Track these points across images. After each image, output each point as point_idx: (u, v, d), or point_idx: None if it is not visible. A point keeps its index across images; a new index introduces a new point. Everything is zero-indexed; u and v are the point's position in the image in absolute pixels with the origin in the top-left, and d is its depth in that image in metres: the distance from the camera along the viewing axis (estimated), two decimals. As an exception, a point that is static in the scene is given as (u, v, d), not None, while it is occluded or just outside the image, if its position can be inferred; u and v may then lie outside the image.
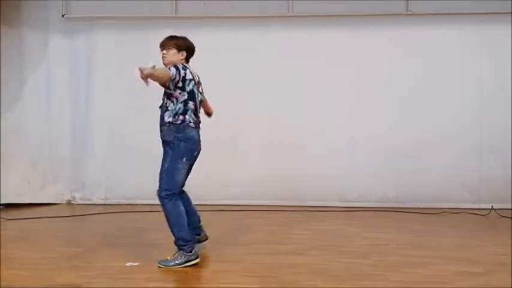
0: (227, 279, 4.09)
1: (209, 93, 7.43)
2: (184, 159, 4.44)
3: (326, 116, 7.38)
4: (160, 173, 4.46)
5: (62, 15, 7.52)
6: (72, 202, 7.63)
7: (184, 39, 4.68)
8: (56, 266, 4.45)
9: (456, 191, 7.26)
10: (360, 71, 7.34)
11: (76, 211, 7.08)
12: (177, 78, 4.38)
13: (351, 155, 7.37)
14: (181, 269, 4.36)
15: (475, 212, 6.87)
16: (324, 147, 7.36)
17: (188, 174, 4.64)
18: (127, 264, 4.45)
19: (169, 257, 4.47)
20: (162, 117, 4.50)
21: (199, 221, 4.92)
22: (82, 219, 6.64)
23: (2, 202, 7.11)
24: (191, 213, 4.75)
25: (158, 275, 4.23)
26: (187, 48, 4.64)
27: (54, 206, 7.38)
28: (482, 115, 7.24)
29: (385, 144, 7.31)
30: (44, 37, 7.54)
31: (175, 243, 4.48)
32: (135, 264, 4.46)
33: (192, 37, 7.46)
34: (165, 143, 4.52)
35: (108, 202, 7.53)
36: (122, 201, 7.52)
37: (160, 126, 4.52)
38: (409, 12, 7.29)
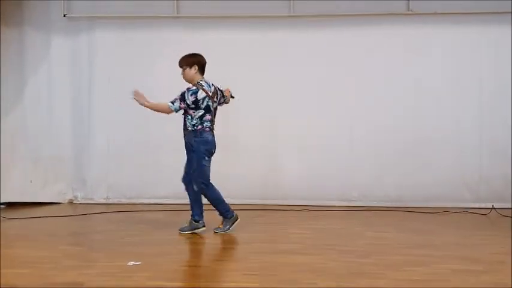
0: (228, 277, 4.12)
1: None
2: (206, 158, 5.45)
3: (327, 115, 7.39)
4: (193, 173, 5.46)
5: (64, 15, 7.52)
6: (74, 201, 7.64)
7: (194, 55, 5.52)
8: (58, 264, 4.47)
9: (457, 190, 7.26)
10: (361, 71, 7.35)
11: (78, 210, 7.09)
12: (183, 108, 5.34)
13: (352, 155, 7.38)
14: (182, 268, 4.38)
15: (476, 211, 6.87)
16: (324, 147, 7.37)
17: None
18: (129, 263, 4.47)
19: (220, 226, 5.63)
20: (184, 124, 5.48)
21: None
22: (84, 218, 6.66)
23: (5, 201, 7.13)
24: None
25: (160, 274, 4.25)
26: (197, 62, 5.47)
27: (56, 205, 7.39)
28: (482, 114, 7.25)
29: (386, 144, 7.31)
30: (46, 37, 7.55)
31: (224, 215, 5.63)
32: (137, 263, 4.48)
33: (193, 37, 7.55)
34: (187, 144, 5.48)
35: (109, 201, 7.55)
36: (123, 200, 7.53)
37: (184, 130, 5.49)
38: (410, 12, 7.30)
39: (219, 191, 5.67)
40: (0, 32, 7.22)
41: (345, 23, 7.36)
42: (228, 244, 5.21)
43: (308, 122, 7.39)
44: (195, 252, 4.87)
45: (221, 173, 7.38)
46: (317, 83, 7.39)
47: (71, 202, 7.64)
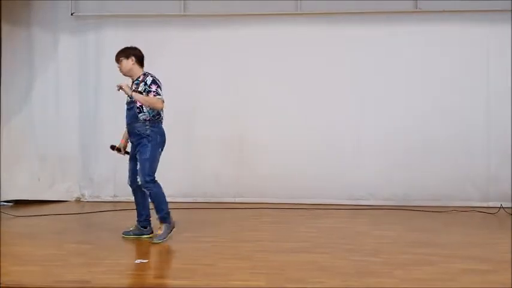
0: (235, 276, 4.11)
1: (217, 90, 7.51)
2: (160, 150, 5.19)
3: (334, 114, 7.39)
4: (143, 162, 5.07)
5: (71, 14, 7.55)
6: (81, 199, 7.67)
7: (128, 48, 5.26)
8: (65, 262, 4.48)
9: (465, 189, 7.24)
10: (367, 69, 7.34)
11: (85, 208, 7.12)
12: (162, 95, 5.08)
13: (359, 154, 7.36)
14: (188, 266, 4.38)
15: (484, 210, 6.85)
16: (332, 146, 7.37)
17: None
18: (136, 261, 4.48)
19: (159, 232, 5.18)
20: (135, 116, 5.12)
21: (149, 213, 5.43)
22: (91, 216, 6.67)
23: (13, 199, 7.16)
24: (142, 207, 5.38)
25: (167, 272, 4.26)
26: (134, 54, 5.22)
27: (63, 203, 7.41)
28: (490, 113, 7.22)
29: (394, 143, 7.30)
30: (53, 36, 7.58)
31: (162, 217, 5.18)
32: (144, 261, 4.49)
33: (200, 35, 7.57)
34: (138, 136, 5.14)
35: (116, 199, 7.56)
36: (130, 198, 7.50)
37: (133, 122, 5.15)
38: (418, 10, 7.27)
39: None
40: (8, 31, 7.25)
41: (352, 21, 7.34)
42: (235, 242, 5.20)
43: (315, 120, 7.39)
44: (201, 250, 4.86)
45: (228, 171, 7.45)
46: (324, 81, 7.38)
47: (78, 200, 7.67)
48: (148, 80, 5.12)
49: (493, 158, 7.24)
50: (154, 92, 5.04)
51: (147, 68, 7.47)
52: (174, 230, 5.27)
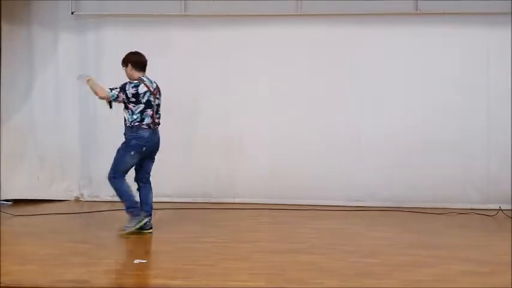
0: (234, 276, 4.11)
1: (217, 90, 7.51)
2: (132, 153, 5.37)
3: (333, 115, 7.38)
4: (113, 159, 5.43)
5: (72, 13, 7.54)
6: (80, 199, 7.66)
7: (128, 54, 5.53)
8: (64, 262, 4.48)
9: (464, 191, 7.24)
10: (367, 70, 7.33)
11: (84, 208, 7.12)
12: (121, 98, 5.34)
13: (358, 155, 7.36)
14: (188, 266, 4.38)
15: (483, 212, 6.85)
16: (331, 146, 7.36)
17: (152, 164, 5.64)
18: (135, 261, 4.47)
19: (127, 224, 5.41)
20: (124, 120, 5.48)
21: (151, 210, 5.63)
22: (90, 216, 6.67)
23: (12, 198, 7.16)
24: (144, 203, 5.57)
25: (166, 272, 4.25)
26: (130, 61, 5.49)
27: (62, 203, 7.41)
28: (490, 115, 7.21)
29: (393, 144, 7.29)
30: (54, 35, 7.57)
31: (127, 210, 5.43)
32: (143, 261, 4.49)
33: (201, 35, 7.56)
34: (124, 136, 5.47)
35: (115, 199, 7.53)
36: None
37: (124, 126, 5.49)
38: (418, 12, 7.27)
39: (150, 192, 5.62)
40: (8, 31, 7.24)
41: (352, 22, 7.34)
42: (233, 243, 5.21)
43: (315, 120, 7.38)
44: (201, 250, 4.86)
45: (228, 171, 7.45)
46: (324, 81, 7.38)
47: (77, 199, 7.66)
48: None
49: (493, 160, 7.23)
50: (112, 87, 5.34)
51: (147, 68, 7.47)
52: (144, 221, 5.39)
